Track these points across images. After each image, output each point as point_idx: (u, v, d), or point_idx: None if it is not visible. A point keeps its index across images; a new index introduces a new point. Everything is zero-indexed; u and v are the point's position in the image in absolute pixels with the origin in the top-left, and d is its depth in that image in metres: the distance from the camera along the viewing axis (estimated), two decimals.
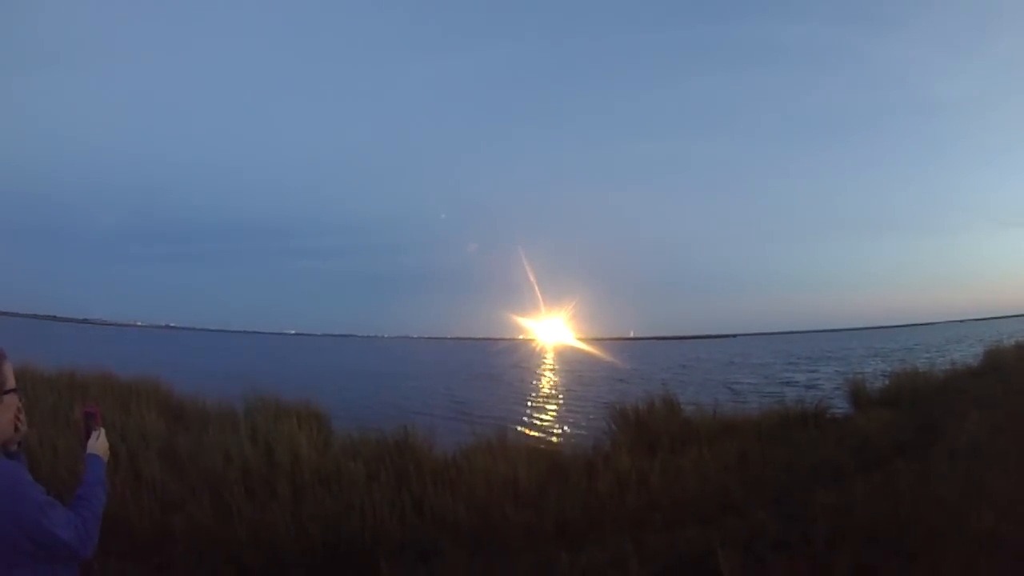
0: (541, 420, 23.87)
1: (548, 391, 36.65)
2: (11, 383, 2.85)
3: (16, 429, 2.91)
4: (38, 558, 2.62)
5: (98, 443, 3.28)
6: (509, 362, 73.79)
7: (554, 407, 28.88)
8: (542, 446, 14.91)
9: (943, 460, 9.32)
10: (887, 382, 20.43)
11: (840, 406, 17.79)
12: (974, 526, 6.42)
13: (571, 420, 23.90)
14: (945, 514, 6.91)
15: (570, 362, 74.03)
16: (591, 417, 22.60)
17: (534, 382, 44.06)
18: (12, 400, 2.86)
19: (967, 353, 33.59)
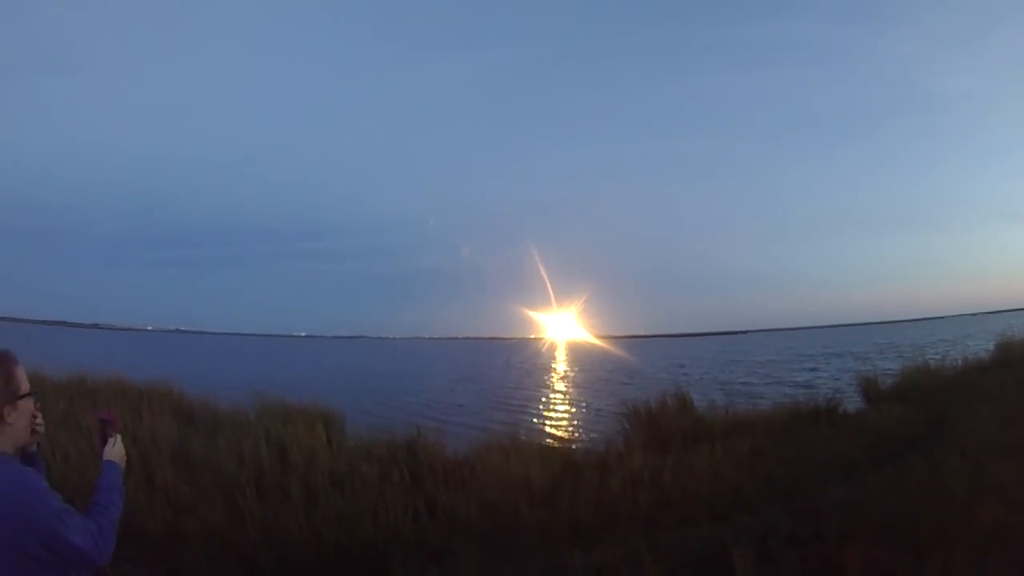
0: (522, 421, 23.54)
1: (535, 393, 36.20)
2: (25, 387, 2.85)
3: (33, 432, 2.93)
4: (54, 566, 2.60)
5: (114, 449, 3.28)
6: (510, 362, 74.55)
7: (536, 408, 28.57)
8: (555, 445, 14.88)
9: (954, 454, 9.30)
10: (899, 377, 20.35)
11: (853, 401, 17.74)
12: (985, 520, 6.41)
13: (551, 423, 23.74)
14: (956, 508, 6.89)
15: (571, 361, 74.53)
16: (574, 424, 22.75)
17: (526, 383, 43.72)
18: (27, 405, 2.86)
19: (978, 347, 33.42)
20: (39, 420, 2.97)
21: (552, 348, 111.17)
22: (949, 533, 6.20)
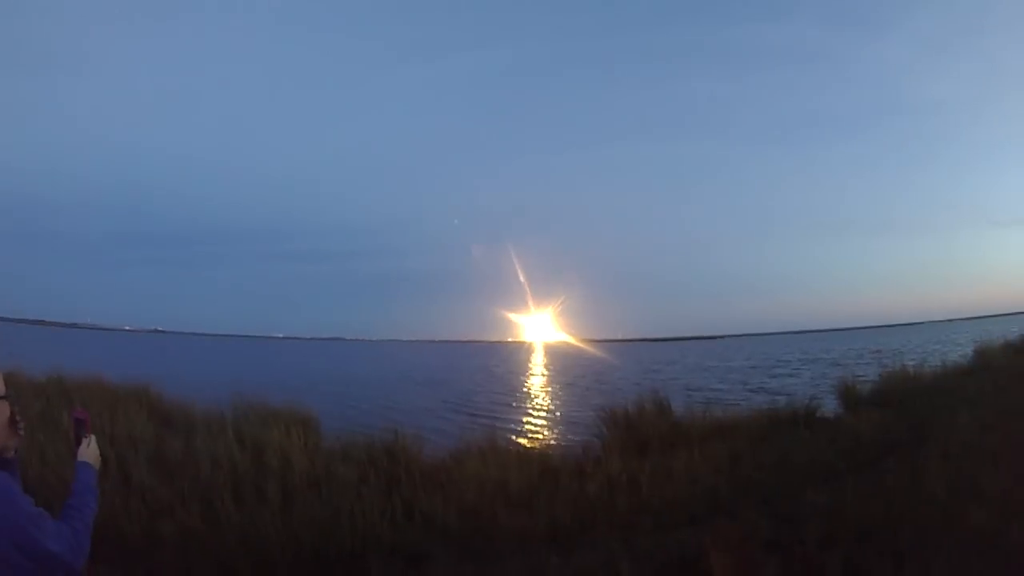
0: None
1: (500, 397, 35.68)
2: (1, 390, 2.81)
3: (15, 435, 2.88)
4: (28, 570, 2.55)
5: (89, 450, 3.24)
6: (483, 365, 75.06)
7: (501, 413, 28.16)
8: (533, 450, 14.86)
9: (934, 459, 9.34)
10: (877, 383, 20.40)
11: (831, 407, 17.77)
12: (965, 524, 6.44)
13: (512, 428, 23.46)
14: (936, 513, 6.93)
15: (542, 365, 75.48)
16: (533, 429, 22.69)
17: (492, 387, 43.36)
18: (2, 408, 2.82)
19: (957, 353, 33.58)
20: (20, 423, 2.93)
21: (529, 351, 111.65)
22: (930, 537, 6.24)
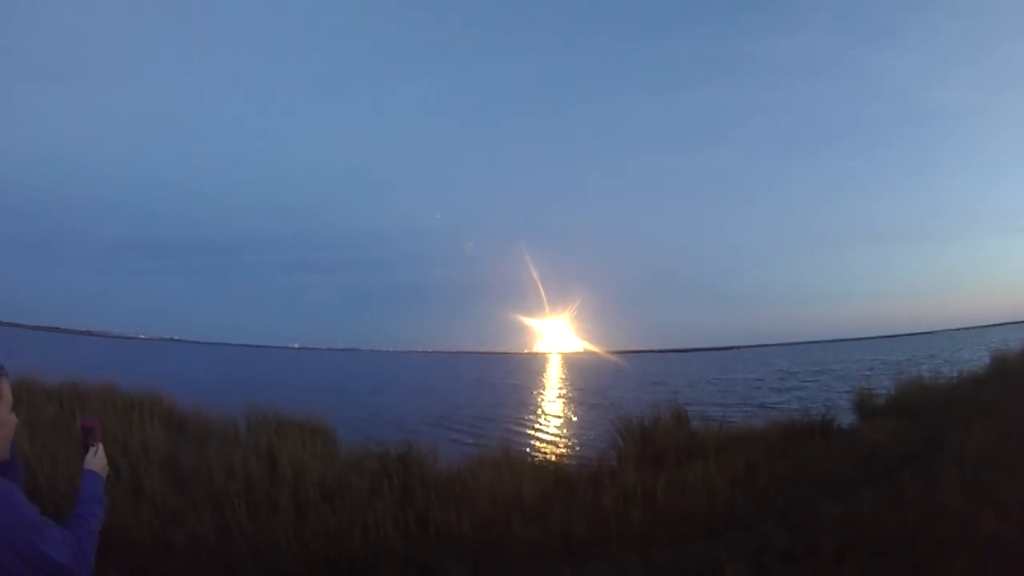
0: None
1: (487, 411, 35.21)
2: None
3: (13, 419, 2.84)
4: None
5: (96, 459, 3.21)
6: (484, 377, 75.21)
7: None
8: (548, 461, 14.82)
9: (950, 469, 9.27)
10: (893, 392, 20.27)
11: (847, 417, 17.67)
12: (981, 534, 6.38)
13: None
14: (952, 523, 6.88)
15: (547, 378, 75.59)
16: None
17: (485, 401, 43.05)
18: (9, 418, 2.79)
19: (973, 361, 33.30)
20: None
21: (542, 363, 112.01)
22: (946, 547, 6.18)
